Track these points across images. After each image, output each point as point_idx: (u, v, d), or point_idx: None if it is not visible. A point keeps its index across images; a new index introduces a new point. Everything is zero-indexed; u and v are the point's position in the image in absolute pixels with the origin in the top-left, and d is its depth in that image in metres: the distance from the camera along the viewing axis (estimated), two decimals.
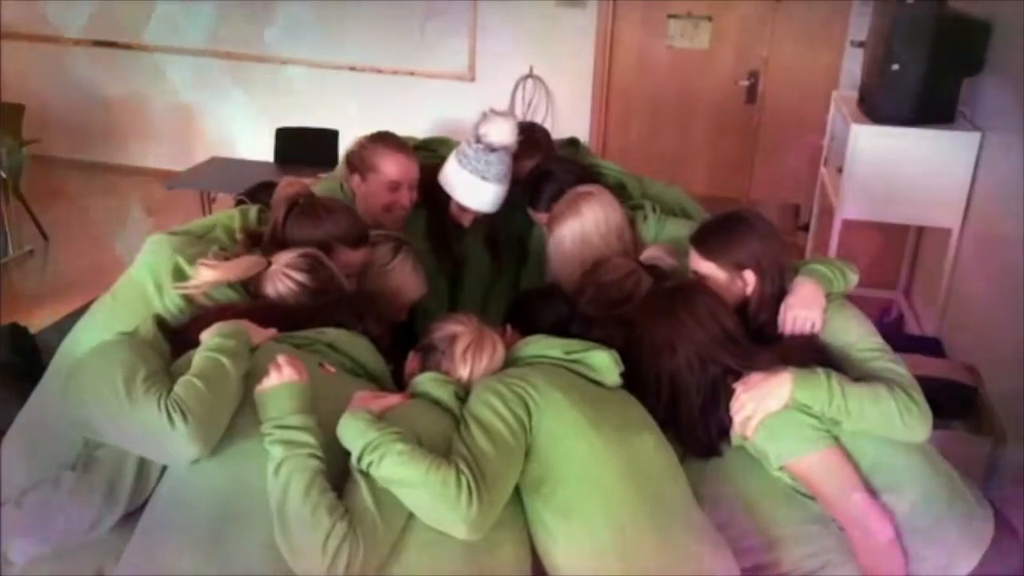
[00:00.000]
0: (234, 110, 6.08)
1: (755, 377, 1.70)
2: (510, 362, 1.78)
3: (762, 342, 1.84)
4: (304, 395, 1.51)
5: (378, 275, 2.17)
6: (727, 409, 1.72)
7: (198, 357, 1.55)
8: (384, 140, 2.44)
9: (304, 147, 5.01)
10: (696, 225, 2.14)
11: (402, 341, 1.95)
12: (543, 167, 2.51)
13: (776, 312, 1.88)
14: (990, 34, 3.42)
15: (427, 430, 1.54)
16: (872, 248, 4.45)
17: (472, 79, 5.66)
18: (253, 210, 2.24)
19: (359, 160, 2.42)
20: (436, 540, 1.46)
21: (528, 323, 1.92)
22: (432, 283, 2.33)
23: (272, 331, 1.72)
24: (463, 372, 1.72)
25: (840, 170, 3.77)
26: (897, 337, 3.60)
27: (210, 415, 1.47)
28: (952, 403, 2.87)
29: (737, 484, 1.75)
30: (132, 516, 1.61)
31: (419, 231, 2.51)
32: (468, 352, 1.73)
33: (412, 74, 5.73)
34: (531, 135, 2.69)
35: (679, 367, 1.76)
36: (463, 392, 1.68)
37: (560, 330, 1.86)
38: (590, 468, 1.56)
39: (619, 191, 2.50)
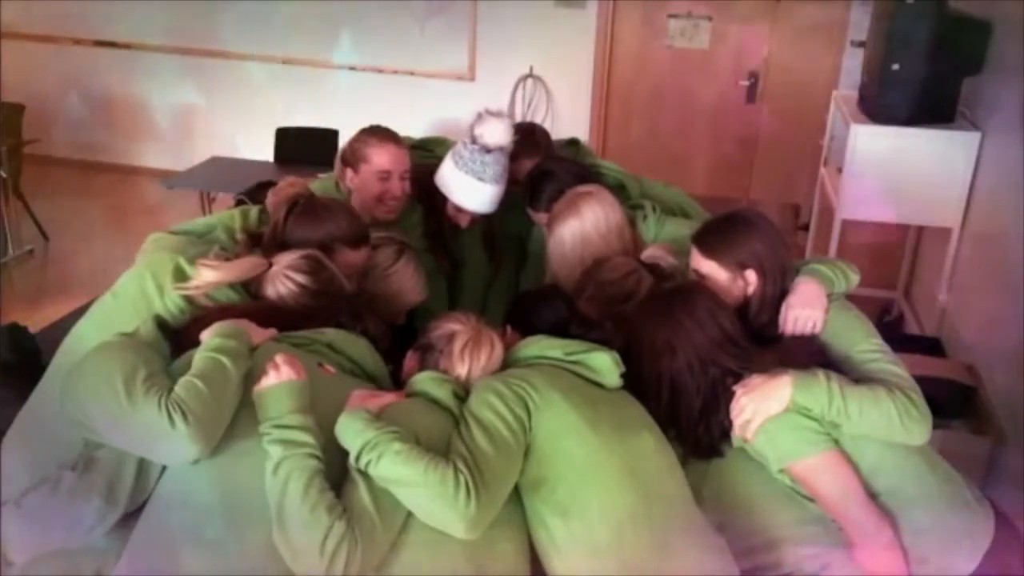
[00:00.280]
0: (234, 110, 6.08)
1: (755, 380, 1.70)
2: (510, 363, 1.78)
3: (762, 342, 1.84)
4: (303, 395, 1.51)
5: (379, 278, 2.17)
6: (727, 411, 1.72)
7: (198, 357, 1.55)
8: (373, 131, 2.47)
9: (304, 147, 5.01)
10: (696, 225, 2.14)
11: (402, 341, 1.95)
12: (543, 167, 2.51)
13: (777, 312, 1.88)
14: (990, 34, 3.42)
15: (426, 429, 1.54)
16: (872, 248, 4.45)
17: (472, 79, 5.66)
18: (254, 210, 2.24)
19: (351, 153, 2.45)
20: (435, 539, 1.45)
21: (528, 324, 1.91)
22: (432, 283, 2.34)
23: (272, 331, 1.72)
24: (461, 370, 1.72)
25: (840, 170, 3.77)
26: (897, 337, 3.61)
27: (210, 415, 1.47)
28: (952, 403, 2.88)
29: (737, 485, 1.75)
30: (132, 516, 1.60)
31: (416, 229, 2.51)
32: (466, 350, 1.73)
33: (412, 74, 5.73)
34: (531, 135, 2.69)
35: (679, 369, 1.76)
36: (462, 391, 1.68)
37: (560, 331, 1.86)
38: (589, 469, 1.56)
39: (619, 191, 2.50)
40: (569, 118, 5.55)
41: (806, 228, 4.67)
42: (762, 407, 1.66)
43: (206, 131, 6.17)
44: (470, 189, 2.43)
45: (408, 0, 5.52)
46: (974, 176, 3.51)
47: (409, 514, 1.46)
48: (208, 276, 1.81)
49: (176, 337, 1.71)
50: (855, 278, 1.98)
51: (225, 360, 1.53)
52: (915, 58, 3.43)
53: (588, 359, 1.74)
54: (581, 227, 2.22)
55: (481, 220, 2.56)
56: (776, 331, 1.88)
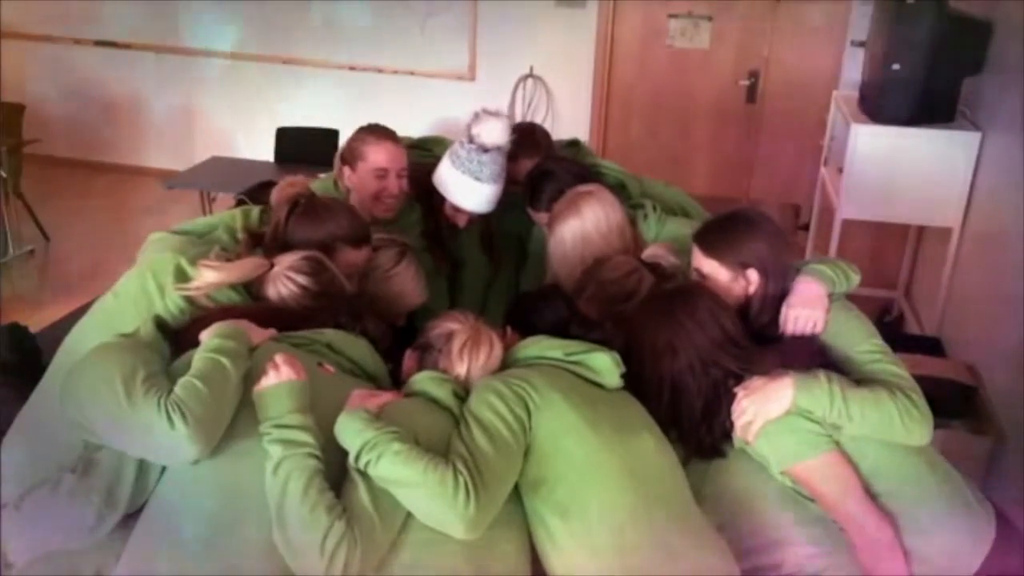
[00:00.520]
0: (234, 110, 6.08)
1: (756, 382, 1.69)
2: (510, 363, 1.78)
3: (763, 342, 1.84)
4: (303, 394, 1.51)
5: (380, 280, 2.17)
6: (729, 412, 1.71)
7: (197, 358, 1.55)
8: (370, 130, 2.48)
9: (304, 147, 5.01)
10: (697, 224, 2.14)
11: (404, 340, 1.95)
12: (543, 167, 2.51)
13: (778, 312, 1.88)
14: (990, 34, 3.42)
15: (425, 429, 1.54)
16: (872, 248, 4.45)
17: (472, 79, 5.66)
18: (255, 210, 2.24)
19: (349, 152, 2.46)
20: (435, 539, 1.45)
21: (528, 324, 1.91)
22: (432, 283, 2.34)
23: (271, 331, 1.72)
24: (460, 370, 1.72)
25: (840, 170, 3.77)
26: (897, 337, 3.61)
27: (210, 416, 1.47)
28: (952, 403, 2.88)
29: (739, 485, 1.74)
30: (132, 517, 1.60)
31: (415, 228, 2.51)
32: (465, 349, 1.73)
33: (412, 74, 5.73)
34: (531, 135, 2.69)
35: (681, 370, 1.76)
36: (462, 390, 1.68)
37: (560, 331, 1.85)
38: (589, 469, 1.56)
39: (619, 191, 2.50)
40: (569, 118, 5.55)
41: (806, 228, 4.67)
42: (763, 409, 1.66)
43: (206, 131, 6.17)
44: (467, 189, 2.43)
45: (408, 0, 5.52)
46: (974, 176, 3.51)
47: (409, 514, 1.46)
48: (209, 277, 1.81)
49: (176, 338, 1.71)
50: (856, 278, 1.97)
51: (224, 360, 1.53)
52: (915, 58, 3.43)
53: (588, 359, 1.73)
54: (582, 226, 2.21)
55: (479, 220, 2.57)
56: (777, 331, 1.88)
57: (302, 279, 1.87)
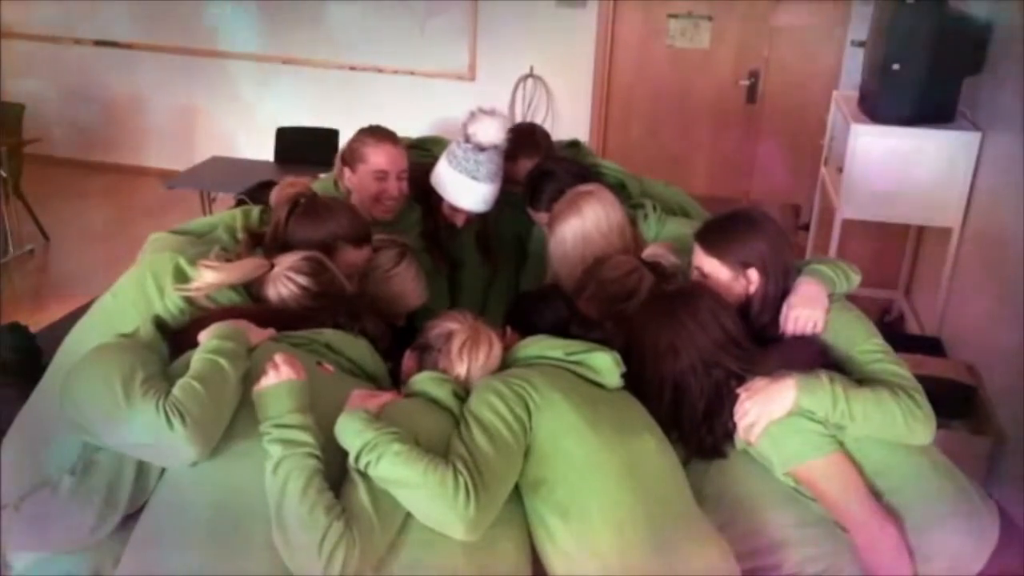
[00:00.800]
0: (234, 110, 6.08)
1: (759, 383, 1.69)
2: (510, 363, 1.78)
3: (764, 342, 1.84)
4: (302, 394, 1.51)
5: (381, 280, 2.17)
6: (730, 412, 1.71)
7: (196, 359, 1.55)
8: (371, 131, 2.48)
9: (304, 147, 5.01)
10: (697, 224, 2.13)
11: (403, 341, 1.95)
12: (543, 167, 2.51)
13: (778, 312, 1.88)
14: (990, 34, 3.42)
15: (425, 429, 1.54)
16: (872, 248, 4.45)
17: (472, 79, 5.66)
18: (255, 210, 2.24)
19: (349, 153, 2.47)
20: (434, 539, 1.45)
21: (528, 323, 1.91)
22: (432, 283, 2.34)
23: (270, 331, 1.72)
24: (460, 370, 1.72)
25: (840, 170, 3.77)
26: (897, 337, 3.60)
27: (209, 417, 1.47)
28: (952, 403, 2.88)
29: (740, 485, 1.74)
30: (131, 517, 1.60)
31: (414, 229, 2.51)
32: (464, 349, 1.72)
33: (412, 74, 5.73)
34: (531, 136, 2.69)
35: (682, 371, 1.76)
36: (462, 390, 1.68)
37: (560, 331, 1.85)
38: (589, 469, 1.56)
39: (619, 190, 2.50)
40: (569, 118, 5.55)
41: (806, 228, 4.67)
42: (766, 410, 1.66)
43: (206, 131, 6.17)
44: (464, 188, 2.43)
45: (408, 0, 5.52)
46: (974, 176, 3.51)
47: (408, 514, 1.46)
48: (209, 277, 1.81)
49: (176, 338, 1.71)
50: (856, 278, 1.97)
51: (223, 361, 1.53)
52: (915, 58, 3.43)
53: (589, 359, 1.73)
54: (582, 226, 2.21)
55: (476, 220, 2.56)
56: (777, 331, 1.87)
57: (302, 279, 1.87)
